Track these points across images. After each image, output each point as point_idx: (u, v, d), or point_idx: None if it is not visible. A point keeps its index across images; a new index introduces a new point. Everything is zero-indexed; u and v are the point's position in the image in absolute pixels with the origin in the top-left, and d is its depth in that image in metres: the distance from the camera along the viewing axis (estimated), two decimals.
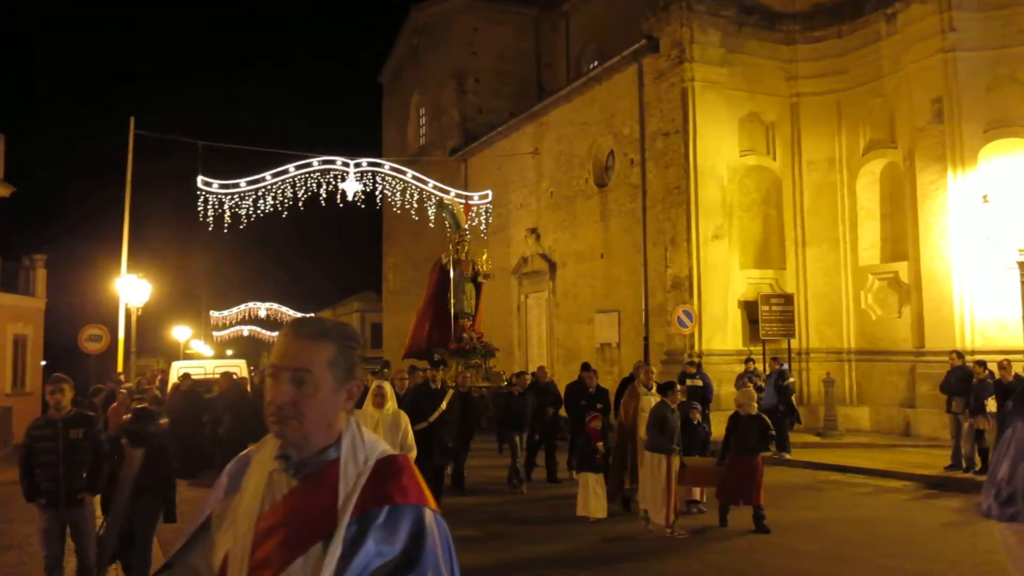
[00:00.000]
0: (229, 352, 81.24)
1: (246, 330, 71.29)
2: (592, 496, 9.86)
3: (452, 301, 20.40)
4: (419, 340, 21.24)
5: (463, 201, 22.78)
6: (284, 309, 68.88)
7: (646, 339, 20.60)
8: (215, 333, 68.99)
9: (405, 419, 7.72)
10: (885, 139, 18.94)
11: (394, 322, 40.06)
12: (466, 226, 22.00)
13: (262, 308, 66.04)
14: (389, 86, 41.77)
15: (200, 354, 56.50)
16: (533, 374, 14.72)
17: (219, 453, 13.09)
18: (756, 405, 9.78)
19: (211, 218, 21.37)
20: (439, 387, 10.31)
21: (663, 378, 16.40)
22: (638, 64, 20.89)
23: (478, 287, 21.10)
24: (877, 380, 18.80)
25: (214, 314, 63.73)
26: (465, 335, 20.08)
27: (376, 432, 7.33)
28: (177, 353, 42.76)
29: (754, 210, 20.25)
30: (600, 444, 10.06)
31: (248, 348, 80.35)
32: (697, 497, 10.34)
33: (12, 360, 26.57)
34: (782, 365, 16.34)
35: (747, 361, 16.69)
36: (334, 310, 73.00)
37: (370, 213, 39.04)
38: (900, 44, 18.00)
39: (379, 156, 26.58)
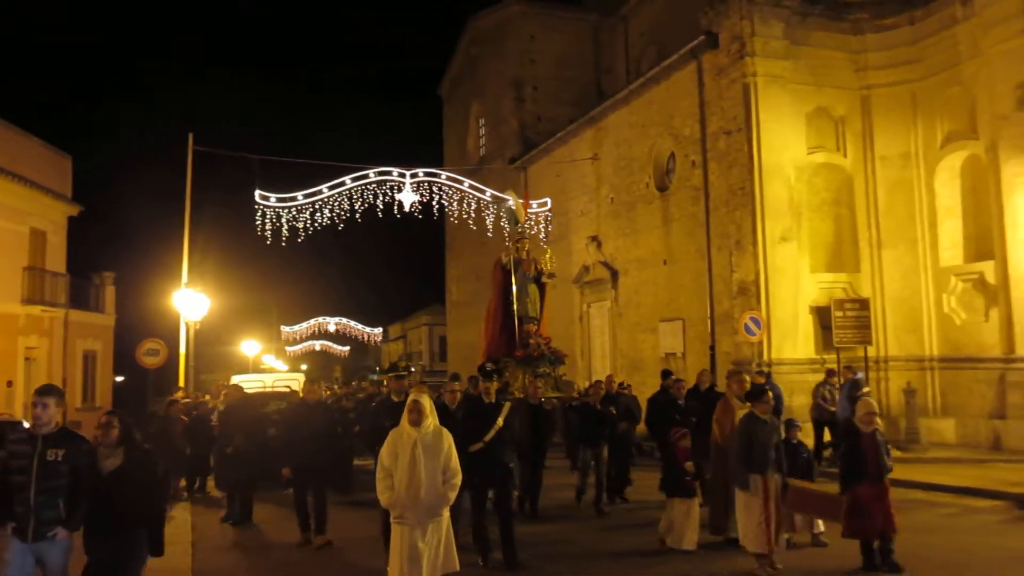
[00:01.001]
0: (303, 367, 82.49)
1: (318, 344, 72.26)
2: (681, 525, 8.82)
3: (515, 304, 18.59)
4: (494, 347, 19.21)
5: (517, 200, 21.62)
6: (353, 324, 69.49)
7: (712, 348, 19.69)
8: (288, 348, 70.08)
9: (448, 439, 6.61)
10: (965, 130, 17.71)
11: (457, 335, 39.74)
12: (525, 222, 20.16)
13: (331, 323, 66.71)
14: (448, 97, 41.65)
15: (272, 368, 57.36)
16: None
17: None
18: (880, 419, 8.36)
19: (269, 232, 21.34)
20: (492, 400, 8.98)
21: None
22: (697, 61, 20.07)
23: (542, 288, 19.19)
24: (963, 389, 17.52)
25: (285, 329, 64.65)
26: (531, 341, 18.18)
27: (415, 455, 6.39)
28: (247, 368, 43.22)
29: (824, 210, 19.19)
30: (690, 464, 8.94)
31: (321, 363, 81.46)
32: (820, 529, 8.94)
33: (82, 375, 27.19)
34: (856, 374, 15.27)
35: (829, 373, 15.71)
36: (403, 324, 73.40)
37: (433, 225, 38.99)
38: (978, 28, 16.82)
39: (439, 168, 26.29)
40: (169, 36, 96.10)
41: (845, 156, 19.12)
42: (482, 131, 37.34)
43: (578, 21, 33.22)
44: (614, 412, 12.24)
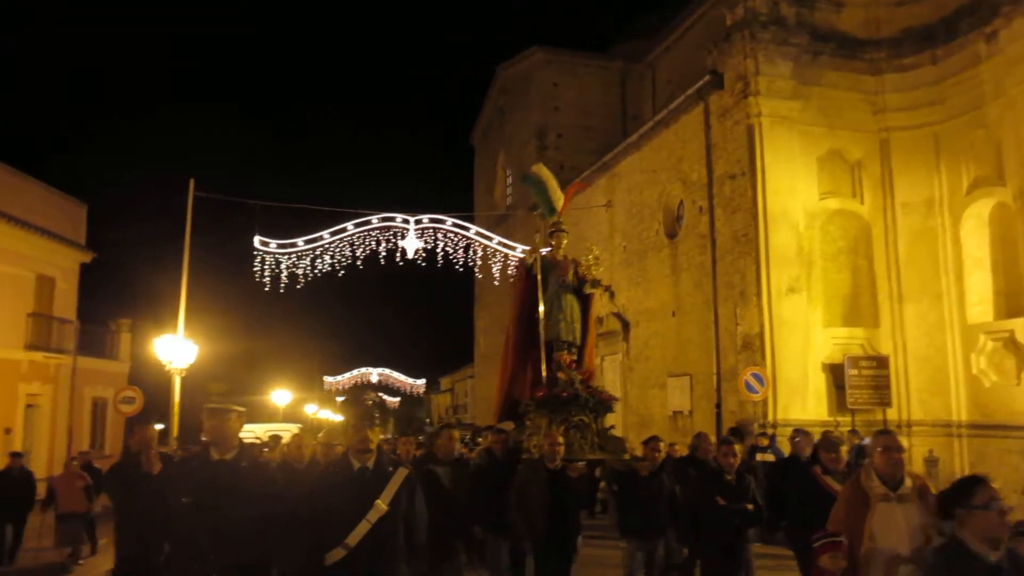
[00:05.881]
0: None
1: None
2: None
3: (542, 322, 12.67)
4: (513, 385, 13.42)
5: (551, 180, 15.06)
6: (395, 374, 68.92)
7: (718, 406, 18.30)
8: (339, 399, 69.76)
9: None
10: (991, 175, 16.29)
11: (483, 388, 38.69)
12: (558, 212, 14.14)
13: (374, 373, 66.27)
14: (479, 147, 41.38)
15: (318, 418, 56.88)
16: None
17: None
18: None
19: (268, 278, 20.88)
20: (371, 465, 4.62)
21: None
22: (704, 103, 19.08)
23: (584, 302, 13.29)
24: (993, 460, 15.80)
25: (328, 379, 64.41)
26: (562, 375, 12.40)
27: None
28: (275, 419, 42.59)
29: (840, 260, 17.83)
30: None
31: (375, 414, 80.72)
32: None
33: (91, 422, 26.83)
34: (862, 440, 13.78)
35: (851, 432, 14.25)
36: (453, 376, 72.55)
37: (465, 277, 38.33)
38: (1002, 66, 15.54)
39: (470, 218, 25.61)
40: (183, 76, 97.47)
41: (862, 203, 17.81)
42: (509, 180, 36.78)
43: (603, 69, 32.57)
44: (674, 490, 7.80)
